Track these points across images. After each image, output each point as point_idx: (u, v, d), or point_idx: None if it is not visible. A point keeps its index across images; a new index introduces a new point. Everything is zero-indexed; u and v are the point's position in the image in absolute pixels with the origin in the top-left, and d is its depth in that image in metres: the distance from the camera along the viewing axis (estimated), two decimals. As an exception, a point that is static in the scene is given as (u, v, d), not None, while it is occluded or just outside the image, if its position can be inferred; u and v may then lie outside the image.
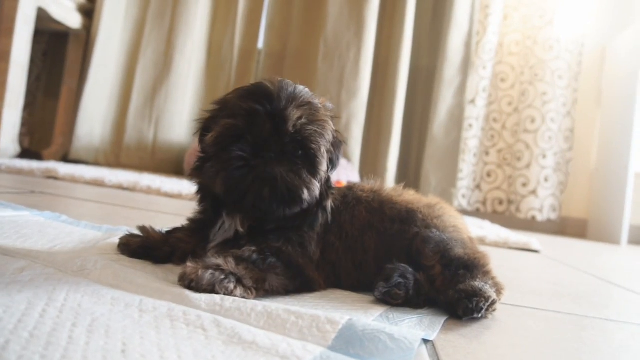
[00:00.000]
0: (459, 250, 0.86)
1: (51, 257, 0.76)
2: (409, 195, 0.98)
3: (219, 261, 0.73)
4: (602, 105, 3.68)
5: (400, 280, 0.81)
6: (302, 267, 0.81)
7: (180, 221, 0.96)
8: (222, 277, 0.70)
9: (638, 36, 3.26)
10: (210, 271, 0.70)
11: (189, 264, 0.73)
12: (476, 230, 2.30)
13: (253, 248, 0.78)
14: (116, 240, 0.92)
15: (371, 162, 3.56)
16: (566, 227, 3.73)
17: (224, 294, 0.68)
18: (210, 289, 0.68)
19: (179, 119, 3.71)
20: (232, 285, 0.70)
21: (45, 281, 0.63)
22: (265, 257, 0.77)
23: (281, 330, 0.58)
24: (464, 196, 3.65)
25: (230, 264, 0.72)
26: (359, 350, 0.55)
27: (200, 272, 0.70)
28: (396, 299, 0.80)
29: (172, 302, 0.63)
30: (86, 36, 3.66)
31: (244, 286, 0.71)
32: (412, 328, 0.69)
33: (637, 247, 3.29)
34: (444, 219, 0.93)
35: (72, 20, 3.45)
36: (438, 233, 0.88)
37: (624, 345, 0.79)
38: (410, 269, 0.84)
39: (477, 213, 3.67)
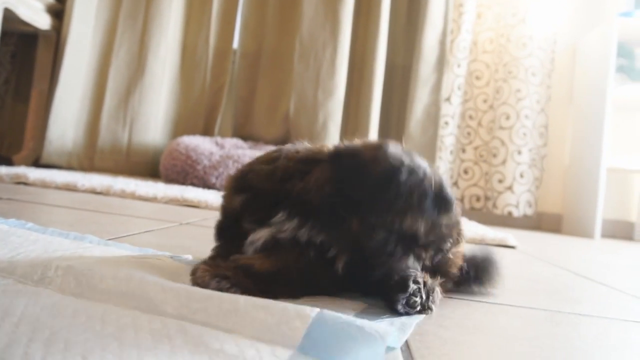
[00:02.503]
0: None
1: (11, 267, 0.72)
2: None
3: (228, 272, 0.74)
4: (574, 102, 3.75)
5: (415, 286, 0.80)
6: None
7: (155, 225, 0.93)
8: (228, 286, 0.72)
9: (607, 35, 3.33)
10: (217, 279, 0.72)
11: (202, 265, 0.75)
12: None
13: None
14: (82, 246, 0.89)
15: (349, 161, 3.55)
16: (542, 222, 3.79)
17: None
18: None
19: (154, 121, 3.65)
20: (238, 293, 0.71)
21: (2, 293, 0.60)
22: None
23: (249, 331, 0.57)
24: (441, 194, 3.67)
25: (239, 276, 0.74)
26: (329, 346, 0.53)
27: (207, 277, 0.72)
28: (414, 307, 0.78)
29: (136, 309, 0.60)
30: (56, 37, 3.56)
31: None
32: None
33: (610, 240, 3.36)
34: None
35: (41, 21, 3.36)
36: None
37: (597, 340, 0.80)
38: (419, 273, 0.82)
39: (455, 210, 3.70)
